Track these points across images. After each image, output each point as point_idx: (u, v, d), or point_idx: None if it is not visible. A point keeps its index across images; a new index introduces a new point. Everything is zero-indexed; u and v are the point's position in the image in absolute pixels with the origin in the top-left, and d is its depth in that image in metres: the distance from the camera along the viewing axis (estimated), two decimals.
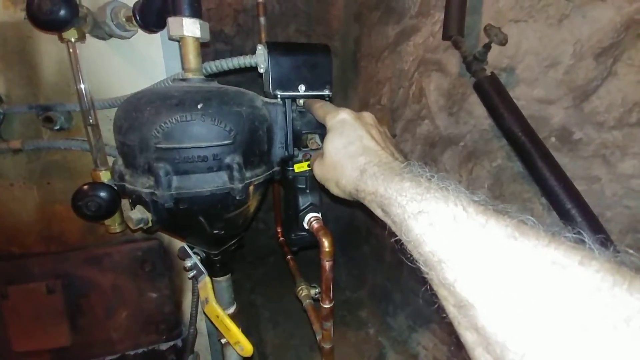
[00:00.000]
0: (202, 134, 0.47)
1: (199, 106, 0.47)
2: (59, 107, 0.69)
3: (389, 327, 1.54)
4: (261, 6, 1.01)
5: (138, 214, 0.49)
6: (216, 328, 0.67)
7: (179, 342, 0.96)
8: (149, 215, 0.50)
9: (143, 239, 0.85)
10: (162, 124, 0.45)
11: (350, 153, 0.43)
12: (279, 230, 1.30)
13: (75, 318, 0.85)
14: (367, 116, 0.48)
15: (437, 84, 1.23)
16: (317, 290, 0.92)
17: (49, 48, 0.71)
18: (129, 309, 0.88)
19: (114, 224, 0.68)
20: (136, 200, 0.50)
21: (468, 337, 0.26)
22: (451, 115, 1.17)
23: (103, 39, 0.67)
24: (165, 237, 0.87)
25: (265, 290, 1.81)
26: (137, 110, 0.47)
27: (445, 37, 1.06)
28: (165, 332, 0.93)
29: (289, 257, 1.12)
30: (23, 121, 0.74)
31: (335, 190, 0.48)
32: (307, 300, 0.90)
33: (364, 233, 1.75)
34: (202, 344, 1.01)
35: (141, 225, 0.50)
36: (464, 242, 0.26)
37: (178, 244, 0.89)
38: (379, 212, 0.38)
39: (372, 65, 1.58)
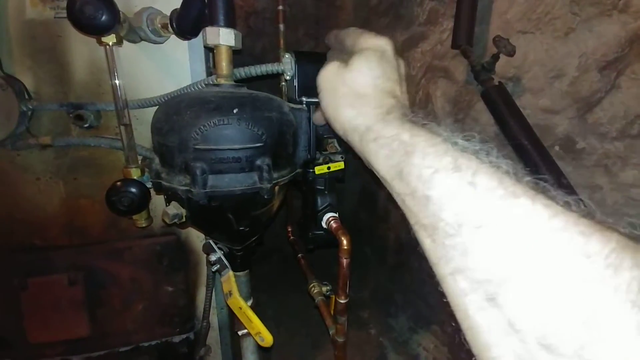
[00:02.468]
0: (237, 136, 0.50)
1: (235, 111, 0.50)
2: (90, 106, 0.72)
3: (391, 328, 1.57)
4: (281, 13, 1.04)
5: (174, 210, 0.53)
6: (236, 320, 0.70)
7: (191, 335, 0.99)
8: (183, 211, 0.54)
9: (162, 234, 0.88)
10: (202, 127, 0.49)
11: (381, 87, 0.39)
12: (290, 229, 1.33)
13: (94, 309, 0.87)
14: (402, 66, 0.44)
15: (443, 91, 1.26)
16: (328, 287, 0.95)
17: (80, 48, 0.74)
18: (145, 301, 0.91)
19: (141, 219, 0.71)
20: (172, 196, 0.54)
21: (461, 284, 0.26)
22: (457, 121, 1.21)
23: (134, 42, 0.70)
24: (183, 233, 0.90)
25: (269, 289, 1.83)
26: (177, 113, 0.50)
27: (455, 46, 1.10)
28: (179, 325, 0.96)
29: (299, 255, 1.16)
30: (52, 118, 0.77)
31: (334, 112, 0.41)
32: (319, 297, 0.94)
33: (367, 234, 1.79)
34: (212, 337, 1.04)
35: (175, 220, 0.53)
36: (512, 214, 0.25)
37: (194, 239, 0.93)
38: (387, 162, 0.34)
39: None
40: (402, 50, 1.45)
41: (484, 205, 0.26)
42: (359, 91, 0.39)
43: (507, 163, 0.28)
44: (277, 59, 0.65)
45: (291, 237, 1.32)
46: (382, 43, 0.42)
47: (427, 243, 0.30)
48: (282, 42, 1.02)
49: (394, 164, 0.33)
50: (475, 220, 0.26)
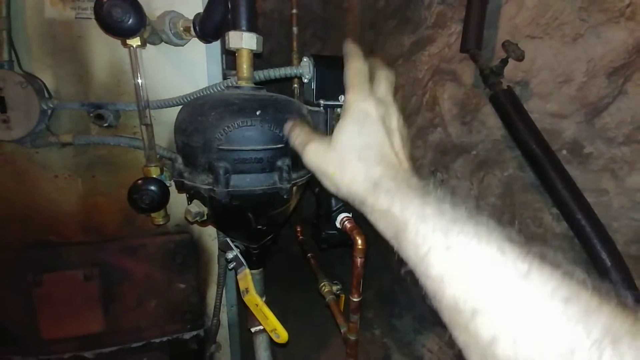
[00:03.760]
0: (260, 138, 0.52)
1: (258, 113, 0.52)
2: (110, 105, 0.74)
3: (395, 328, 1.58)
4: (294, 16, 1.06)
5: (196, 208, 0.55)
6: (249, 316, 0.72)
7: (201, 332, 1.00)
8: (204, 210, 0.55)
9: (176, 232, 0.90)
10: (226, 128, 0.50)
11: (365, 158, 0.38)
12: (299, 229, 1.34)
13: (108, 305, 0.89)
14: (394, 118, 0.41)
15: (451, 94, 1.27)
16: (338, 286, 0.97)
17: (101, 49, 0.76)
18: (158, 298, 0.92)
19: (159, 217, 0.73)
20: (194, 195, 0.55)
21: None
22: (464, 124, 1.22)
23: (154, 44, 0.72)
24: (196, 231, 0.92)
25: (273, 288, 1.84)
26: (202, 114, 0.52)
27: (463, 49, 1.11)
28: (190, 322, 0.98)
29: (309, 254, 1.17)
30: (71, 117, 0.79)
31: (330, 186, 0.41)
32: (330, 296, 0.95)
33: (372, 236, 1.80)
34: (222, 335, 1.06)
35: (197, 219, 0.55)
36: (503, 293, 0.24)
37: (207, 238, 0.94)
38: (387, 233, 0.34)
39: None
40: (409, 53, 1.46)
41: (477, 287, 0.26)
42: (345, 165, 0.39)
43: (499, 230, 0.28)
44: (286, 61, 0.67)
45: (300, 237, 1.33)
46: (365, 106, 0.40)
47: (435, 306, 0.30)
48: (295, 44, 1.04)
49: (392, 237, 0.33)
50: (472, 304, 0.26)
